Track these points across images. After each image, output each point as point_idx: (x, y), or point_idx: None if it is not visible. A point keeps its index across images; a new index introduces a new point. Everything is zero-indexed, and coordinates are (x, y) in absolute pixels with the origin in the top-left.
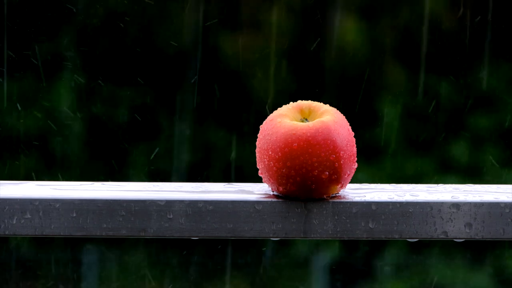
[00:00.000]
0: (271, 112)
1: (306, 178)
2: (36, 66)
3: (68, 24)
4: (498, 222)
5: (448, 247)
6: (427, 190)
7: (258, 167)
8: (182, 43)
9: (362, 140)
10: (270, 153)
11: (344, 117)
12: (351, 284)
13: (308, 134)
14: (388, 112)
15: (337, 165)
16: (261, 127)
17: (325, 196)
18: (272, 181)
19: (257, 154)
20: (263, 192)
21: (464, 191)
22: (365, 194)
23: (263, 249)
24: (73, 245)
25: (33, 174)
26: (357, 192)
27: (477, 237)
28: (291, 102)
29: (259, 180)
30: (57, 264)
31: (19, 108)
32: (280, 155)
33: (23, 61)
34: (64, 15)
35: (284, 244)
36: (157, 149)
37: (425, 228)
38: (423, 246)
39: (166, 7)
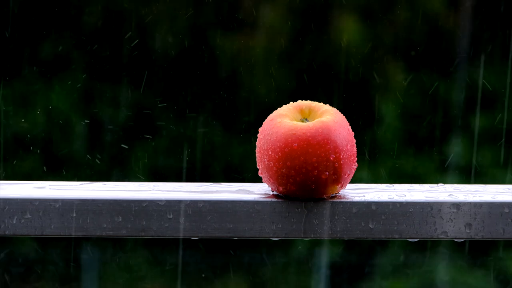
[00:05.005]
0: (271, 112)
1: (306, 178)
2: (37, 66)
3: (69, 25)
4: (498, 222)
5: (448, 247)
6: (427, 190)
7: (258, 167)
8: (181, 43)
9: (362, 140)
10: (270, 153)
11: (344, 117)
12: (351, 284)
13: (308, 134)
14: (388, 112)
15: (337, 165)
16: (261, 127)
17: (325, 196)
18: (272, 181)
19: (257, 154)
20: (263, 192)
21: (464, 191)
22: (365, 194)
23: (263, 249)
24: (73, 245)
25: (33, 174)
26: (357, 192)
27: (477, 237)
28: (291, 102)
29: (259, 180)
30: (57, 264)
31: (20, 108)
32: (280, 155)
33: (24, 61)
34: (65, 15)
35: (284, 244)
36: (157, 149)
37: (425, 228)
38: (423, 246)
39: (166, 7)
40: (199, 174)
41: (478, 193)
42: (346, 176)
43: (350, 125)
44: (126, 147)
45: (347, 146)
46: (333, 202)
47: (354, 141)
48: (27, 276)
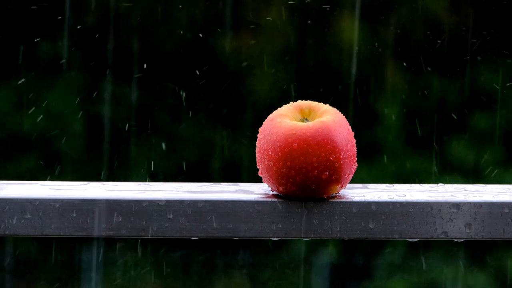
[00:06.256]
0: (271, 112)
1: (306, 178)
2: (36, 66)
3: (68, 23)
4: (498, 222)
5: (448, 247)
6: (427, 190)
7: (258, 167)
8: (181, 42)
9: (362, 140)
10: (270, 153)
11: (344, 117)
12: (351, 284)
13: (308, 134)
14: (388, 112)
15: (337, 165)
16: (261, 127)
17: (325, 196)
18: (272, 181)
19: (257, 154)
20: (263, 192)
21: (464, 191)
22: (365, 194)
23: (263, 249)
24: (73, 245)
25: (33, 174)
26: (357, 192)
27: (477, 237)
28: (291, 102)
29: (259, 180)
30: (57, 264)
31: (19, 108)
32: (280, 155)
33: (23, 61)
34: (64, 14)
35: (284, 244)
36: (157, 148)
37: (425, 228)
38: (423, 246)
39: (166, 6)
40: (198, 174)
41: (478, 193)
42: (346, 176)
43: (350, 125)
44: (126, 146)
45: (347, 146)
46: (333, 202)
47: (354, 141)
48: (27, 276)
